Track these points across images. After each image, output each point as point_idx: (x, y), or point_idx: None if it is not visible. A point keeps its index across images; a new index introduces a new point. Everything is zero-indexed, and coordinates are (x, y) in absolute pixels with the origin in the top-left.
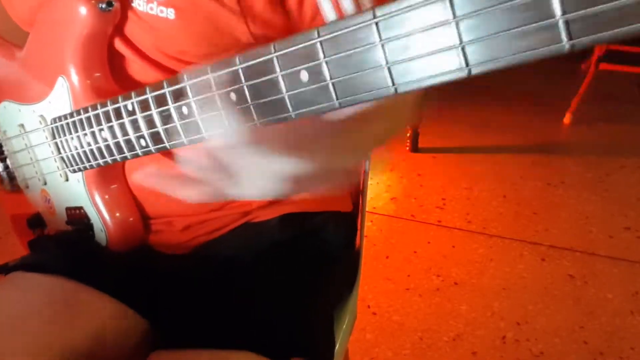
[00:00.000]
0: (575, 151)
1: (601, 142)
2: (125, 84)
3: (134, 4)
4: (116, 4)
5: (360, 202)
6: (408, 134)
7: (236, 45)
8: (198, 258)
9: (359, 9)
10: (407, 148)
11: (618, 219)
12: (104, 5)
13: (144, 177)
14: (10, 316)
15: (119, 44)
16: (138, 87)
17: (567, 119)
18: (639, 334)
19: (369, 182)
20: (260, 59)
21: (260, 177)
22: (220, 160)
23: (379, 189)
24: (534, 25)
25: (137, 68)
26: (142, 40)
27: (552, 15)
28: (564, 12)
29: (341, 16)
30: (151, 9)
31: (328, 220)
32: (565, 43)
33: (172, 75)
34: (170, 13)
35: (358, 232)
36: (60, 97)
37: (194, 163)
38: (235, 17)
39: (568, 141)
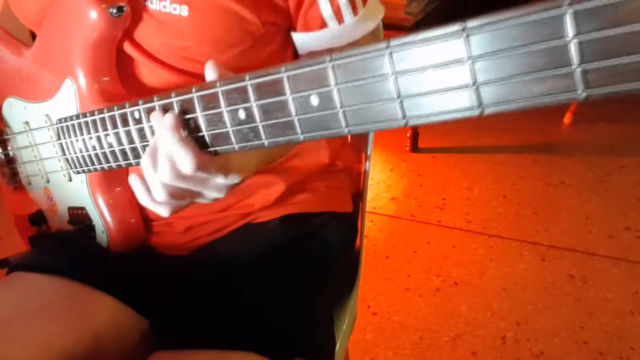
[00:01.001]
0: (575, 151)
1: (601, 142)
2: (132, 87)
3: (146, 3)
4: (127, 9)
5: (361, 202)
6: (408, 134)
7: (247, 39)
8: (199, 259)
9: (352, 3)
10: (407, 148)
11: (618, 219)
12: (114, 10)
13: (133, 182)
14: (10, 316)
15: (127, 47)
16: (146, 89)
17: (567, 119)
18: (639, 334)
19: (369, 182)
20: (270, 77)
21: (216, 191)
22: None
23: (379, 189)
24: (551, 71)
25: (144, 70)
26: (151, 41)
27: (570, 64)
28: (581, 62)
29: (335, 7)
30: (164, 6)
31: (328, 221)
32: (581, 92)
33: (180, 77)
34: (183, 10)
35: (358, 233)
36: (67, 98)
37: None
38: (245, 7)
39: (568, 141)
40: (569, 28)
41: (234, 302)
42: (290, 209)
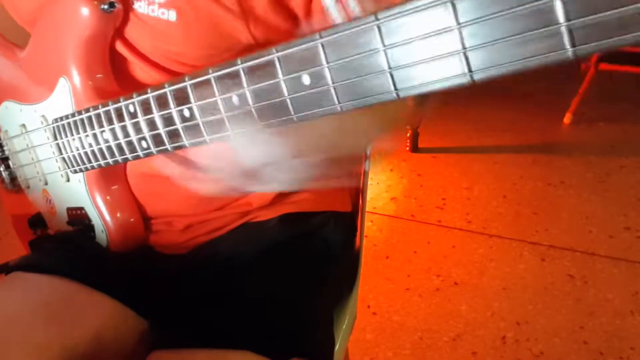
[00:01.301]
0: (575, 151)
1: (601, 142)
2: (127, 85)
3: (134, 6)
4: (118, 5)
5: (360, 202)
6: (408, 134)
7: (237, 47)
8: (198, 258)
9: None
10: (407, 148)
11: (618, 219)
12: (106, 6)
13: (165, 164)
14: (10, 316)
15: (120, 46)
16: (140, 88)
17: (567, 119)
18: (639, 334)
19: (369, 182)
20: (262, 60)
21: (275, 171)
22: (233, 161)
23: (379, 189)
24: (537, 32)
25: (138, 70)
26: (143, 43)
27: (556, 22)
28: (567, 19)
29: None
30: (152, 10)
31: (328, 220)
32: (569, 50)
33: (172, 76)
34: (171, 15)
35: (358, 232)
36: (62, 98)
37: (212, 168)
38: (236, 19)
39: (568, 141)
40: None
41: (233, 301)
42: (289, 208)
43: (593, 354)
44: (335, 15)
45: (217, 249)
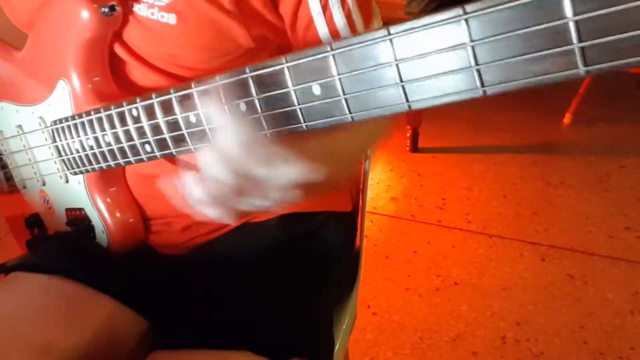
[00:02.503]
0: (575, 151)
1: (601, 142)
2: (125, 88)
3: (134, 9)
4: (119, 9)
5: (360, 202)
6: (408, 134)
7: (237, 50)
8: (197, 258)
9: (351, 24)
10: (407, 148)
11: (618, 219)
12: (106, 10)
13: (166, 185)
14: (10, 316)
15: (118, 49)
16: (139, 91)
17: (567, 118)
18: (639, 334)
19: (369, 182)
20: (272, 69)
21: (275, 187)
22: (239, 171)
23: (379, 189)
24: (550, 51)
25: (137, 73)
26: (142, 46)
27: (569, 42)
28: (579, 40)
29: (333, 30)
30: (152, 14)
31: (328, 220)
32: (581, 69)
33: (172, 81)
34: (171, 18)
35: (358, 232)
36: (61, 100)
37: (215, 175)
38: (235, 22)
39: (568, 141)
40: (567, 9)
41: (232, 301)
42: (288, 208)
43: (593, 354)
44: (320, 25)
45: (217, 249)
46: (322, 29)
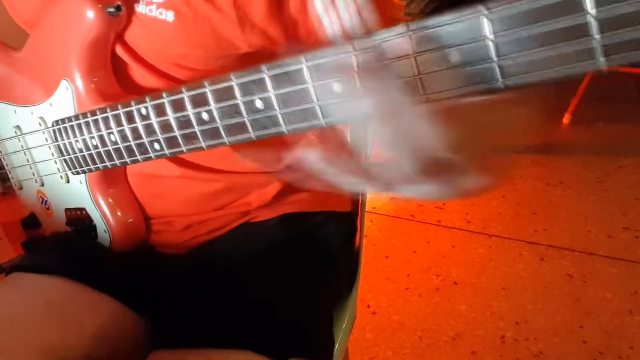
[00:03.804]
0: (574, 151)
1: (600, 142)
2: (127, 87)
3: (134, 5)
4: (124, 8)
5: (360, 202)
6: None
7: (234, 52)
8: (198, 258)
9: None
10: None
11: (617, 219)
12: (112, 10)
13: (307, 157)
14: (10, 316)
15: (119, 50)
16: (140, 91)
17: (566, 119)
18: (638, 334)
19: None
20: (289, 68)
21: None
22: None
23: None
24: (570, 43)
25: (137, 75)
26: (141, 45)
27: (588, 35)
28: (601, 32)
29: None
30: (150, 10)
31: (327, 220)
32: (601, 61)
33: (170, 82)
34: (169, 15)
35: (358, 232)
36: (64, 100)
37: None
38: (232, 24)
39: (567, 141)
40: (588, 3)
41: (232, 301)
42: (288, 208)
43: (592, 354)
44: (327, 24)
45: (217, 249)
46: (330, 29)
